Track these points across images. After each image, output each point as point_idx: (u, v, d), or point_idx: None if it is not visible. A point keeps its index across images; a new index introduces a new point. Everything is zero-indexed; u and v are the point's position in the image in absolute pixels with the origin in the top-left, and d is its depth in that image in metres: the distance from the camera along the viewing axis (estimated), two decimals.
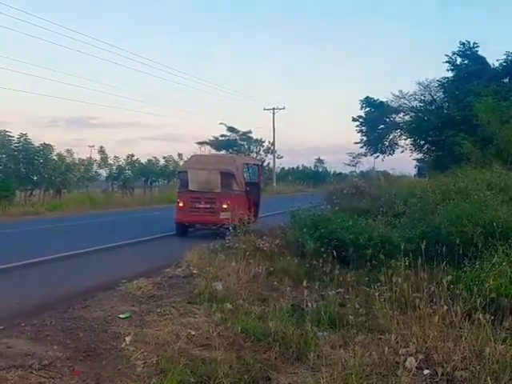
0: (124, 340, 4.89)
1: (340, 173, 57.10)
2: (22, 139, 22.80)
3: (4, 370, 4.10)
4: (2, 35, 76.56)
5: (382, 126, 37.62)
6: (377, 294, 6.15)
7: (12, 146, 22.58)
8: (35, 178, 24.25)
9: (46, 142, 24.37)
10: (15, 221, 18.48)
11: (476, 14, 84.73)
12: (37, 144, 23.73)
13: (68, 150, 26.99)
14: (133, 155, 32.39)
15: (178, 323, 5.48)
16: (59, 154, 25.82)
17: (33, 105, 71.30)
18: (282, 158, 56.44)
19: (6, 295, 6.85)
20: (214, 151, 44.72)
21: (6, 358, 4.35)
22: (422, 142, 33.79)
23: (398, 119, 37.02)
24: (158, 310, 6.06)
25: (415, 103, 34.62)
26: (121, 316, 5.76)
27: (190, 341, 5.08)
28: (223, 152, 44.97)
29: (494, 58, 31.78)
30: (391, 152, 38.78)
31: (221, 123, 51.10)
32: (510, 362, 4.35)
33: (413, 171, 38.65)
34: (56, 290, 7.26)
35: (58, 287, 7.51)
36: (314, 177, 60.72)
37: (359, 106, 37.32)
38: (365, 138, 38.26)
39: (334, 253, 7.82)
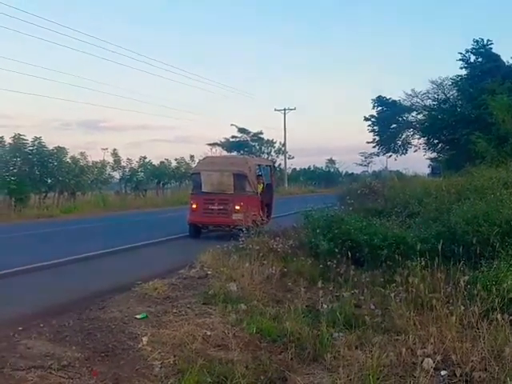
0: (141, 340, 4.94)
1: (352, 173, 56.96)
2: (36, 142, 22.95)
3: (24, 370, 4.16)
4: (12, 38, 77.46)
5: (395, 125, 37.27)
6: (392, 294, 6.10)
7: (26, 150, 22.71)
8: (49, 181, 24.48)
9: (60, 146, 24.58)
10: (30, 223, 18.64)
11: (490, 10, 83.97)
12: (50, 147, 23.91)
13: (81, 152, 27.30)
14: (145, 157, 32.69)
15: (193, 324, 5.50)
16: (73, 157, 26.07)
17: (44, 108, 71.87)
18: (293, 158, 56.40)
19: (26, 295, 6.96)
20: (225, 152, 45.01)
21: (25, 359, 4.41)
22: (436, 141, 33.42)
23: (410, 118, 36.63)
24: (174, 311, 6.09)
25: (428, 102, 34.17)
26: (137, 316, 5.80)
27: (206, 341, 5.09)
28: (234, 153, 45.09)
29: (508, 55, 31.25)
30: (404, 151, 38.41)
31: (232, 124, 51.38)
32: None
33: (426, 171, 38.38)
34: (74, 291, 7.36)
35: (75, 288, 7.60)
36: (325, 177, 60.64)
37: (371, 106, 37.04)
38: (377, 138, 37.90)
39: (349, 253, 7.77)
